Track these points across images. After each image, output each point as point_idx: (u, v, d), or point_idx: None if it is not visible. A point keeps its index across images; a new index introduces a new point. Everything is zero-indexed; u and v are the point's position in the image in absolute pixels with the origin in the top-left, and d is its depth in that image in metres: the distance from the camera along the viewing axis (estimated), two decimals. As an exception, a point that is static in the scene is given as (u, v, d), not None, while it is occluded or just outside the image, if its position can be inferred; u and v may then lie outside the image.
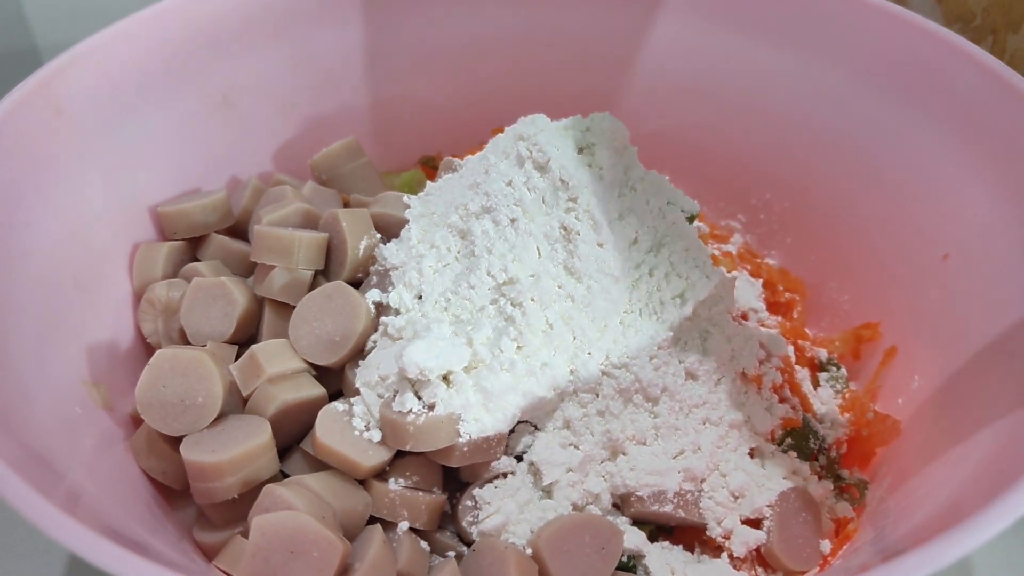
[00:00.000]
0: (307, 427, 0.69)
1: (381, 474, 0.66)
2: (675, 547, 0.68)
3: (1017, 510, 0.48)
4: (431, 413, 0.64)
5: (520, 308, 0.68)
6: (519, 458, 0.68)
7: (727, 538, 0.68)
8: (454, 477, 0.69)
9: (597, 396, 0.68)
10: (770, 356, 0.78)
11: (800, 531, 0.69)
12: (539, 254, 0.70)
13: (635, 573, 0.65)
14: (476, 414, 0.65)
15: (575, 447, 0.68)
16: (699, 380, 0.71)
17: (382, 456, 0.65)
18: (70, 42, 0.76)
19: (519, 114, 0.80)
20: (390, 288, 0.72)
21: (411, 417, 0.64)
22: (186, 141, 0.85)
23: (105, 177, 0.77)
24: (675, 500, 0.67)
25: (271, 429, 0.65)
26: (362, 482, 0.66)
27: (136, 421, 0.71)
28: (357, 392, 0.68)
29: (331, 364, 0.70)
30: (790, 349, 0.81)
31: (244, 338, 0.75)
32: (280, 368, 0.68)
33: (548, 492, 0.67)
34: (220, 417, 0.66)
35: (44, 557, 0.75)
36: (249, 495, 0.63)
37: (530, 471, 0.68)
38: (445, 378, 0.65)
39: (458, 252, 0.73)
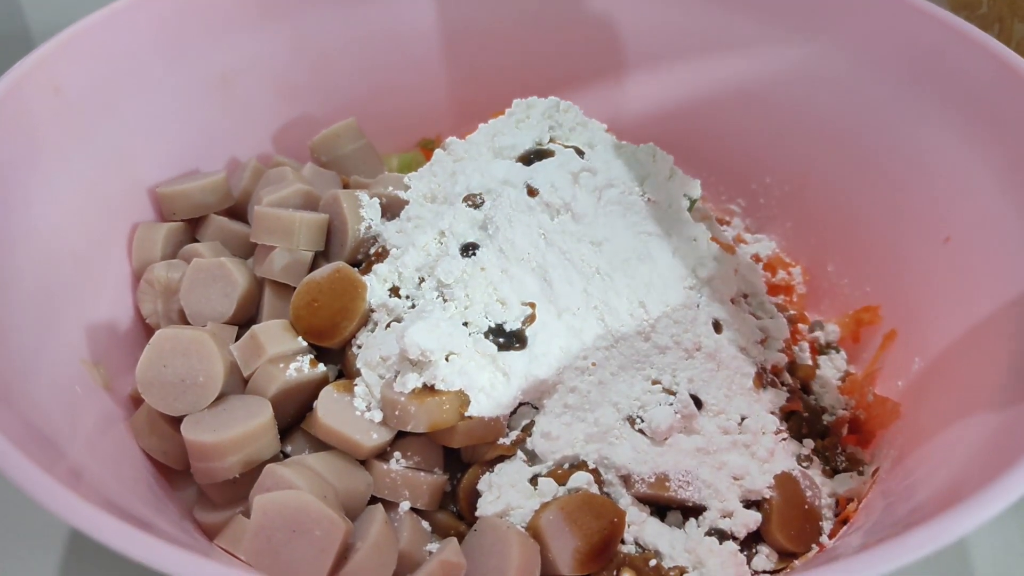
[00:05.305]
0: (308, 407, 0.69)
1: (382, 454, 0.66)
2: (677, 527, 0.68)
3: (1017, 490, 0.48)
4: (432, 394, 0.64)
5: (521, 288, 0.68)
6: (521, 439, 0.68)
7: (727, 518, 0.68)
8: (455, 458, 0.69)
9: (597, 376, 0.68)
10: (770, 339, 0.78)
11: (800, 512, 0.69)
12: (544, 236, 0.70)
13: (638, 552, 0.66)
14: (477, 395, 0.65)
15: (576, 427, 0.68)
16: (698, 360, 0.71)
17: (383, 436, 0.65)
18: (63, 25, 0.75)
19: (518, 97, 0.80)
20: (391, 268, 0.72)
21: (412, 398, 0.64)
22: (185, 122, 0.85)
23: (104, 157, 0.76)
24: (676, 481, 0.67)
25: (272, 409, 0.65)
26: (363, 462, 0.66)
27: (136, 401, 0.71)
28: (358, 372, 0.68)
29: (332, 345, 0.70)
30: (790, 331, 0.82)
31: (244, 319, 0.75)
32: (281, 348, 0.68)
33: (549, 472, 0.67)
34: (221, 397, 0.66)
35: (43, 538, 0.75)
36: (250, 475, 0.63)
37: (531, 451, 0.68)
38: (446, 359, 0.65)
39: (461, 231, 0.72)
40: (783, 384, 0.77)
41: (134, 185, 0.80)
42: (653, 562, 0.65)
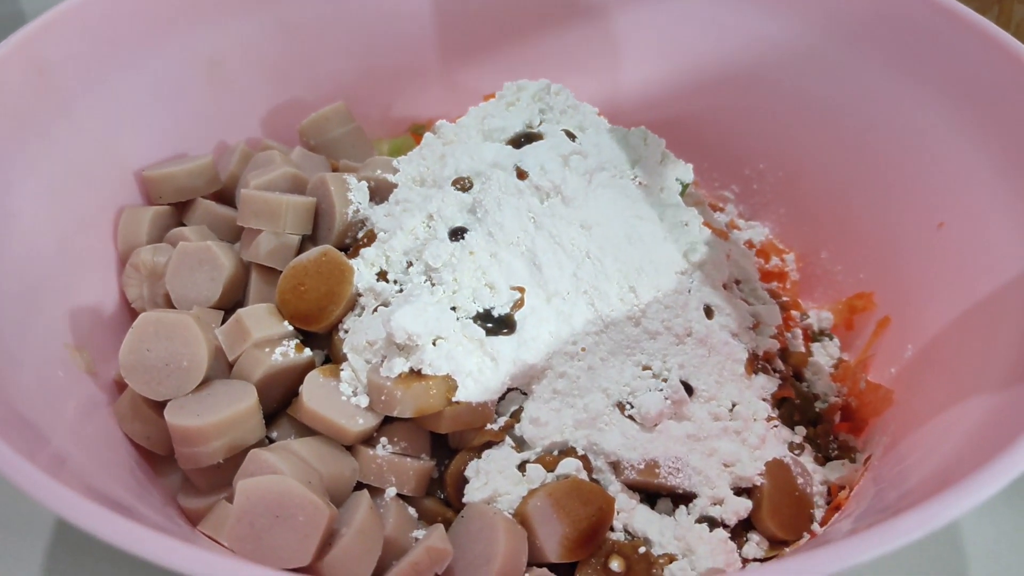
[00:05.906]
0: (294, 392, 0.68)
1: (369, 440, 0.66)
2: (667, 514, 0.68)
3: (1007, 475, 0.48)
4: (419, 379, 0.64)
5: (510, 272, 0.67)
6: (509, 425, 0.68)
7: (717, 506, 0.68)
8: (443, 443, 0.68)
9: (587, 361, 0.68)
10: (763, 325, 0.77)
11: (791, 499, 0.69)
12: (533, 220, 0.69)
13: (627, 539, 0.65)
14: (465, 380, 0.65)
15: (565, 412, 0.67)
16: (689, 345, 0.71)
17: (370, 422, 0.64)
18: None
19: (509, 80, 0.79)
20: (378, 252, 0.72)
21: (399, 383, 0.63)
22: (172, 104, 0.84)
23: (89, 139, 0.76)
24: (666, 468, 0.66)
25: (257, 394, 0.64)
26: (349, 448, 0.65)
27: (120, 387, 0.70)
28: (345, 357, 0.67)
29: (318, 329, 0.70)
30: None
31: (230, 303, 0.74)
32: (267, 332, 0.68)
33: (537, 459, 0.66)
34: (205, 382, 0.65)
35: (29, 525, 0.74)
36: (234, 460, 0.63)
37: (519, 437, 0.67)
38: (433, 343, 0.65)
39: (450, 215, 0.72)
40: (775, 371, 0.77)
41: (120, 168, 0.79)
42: (642, 549, 0.64)
